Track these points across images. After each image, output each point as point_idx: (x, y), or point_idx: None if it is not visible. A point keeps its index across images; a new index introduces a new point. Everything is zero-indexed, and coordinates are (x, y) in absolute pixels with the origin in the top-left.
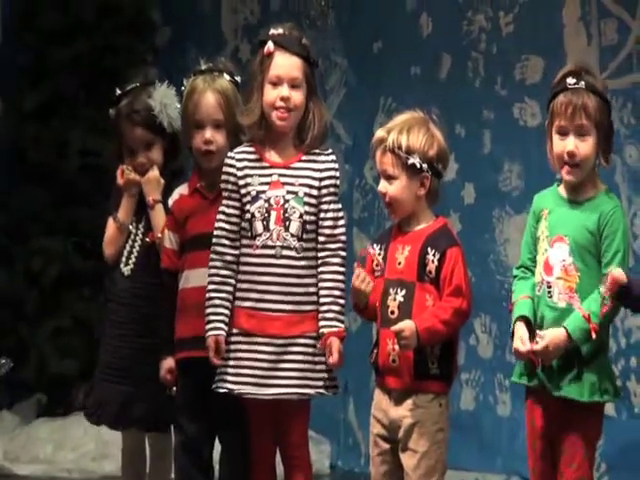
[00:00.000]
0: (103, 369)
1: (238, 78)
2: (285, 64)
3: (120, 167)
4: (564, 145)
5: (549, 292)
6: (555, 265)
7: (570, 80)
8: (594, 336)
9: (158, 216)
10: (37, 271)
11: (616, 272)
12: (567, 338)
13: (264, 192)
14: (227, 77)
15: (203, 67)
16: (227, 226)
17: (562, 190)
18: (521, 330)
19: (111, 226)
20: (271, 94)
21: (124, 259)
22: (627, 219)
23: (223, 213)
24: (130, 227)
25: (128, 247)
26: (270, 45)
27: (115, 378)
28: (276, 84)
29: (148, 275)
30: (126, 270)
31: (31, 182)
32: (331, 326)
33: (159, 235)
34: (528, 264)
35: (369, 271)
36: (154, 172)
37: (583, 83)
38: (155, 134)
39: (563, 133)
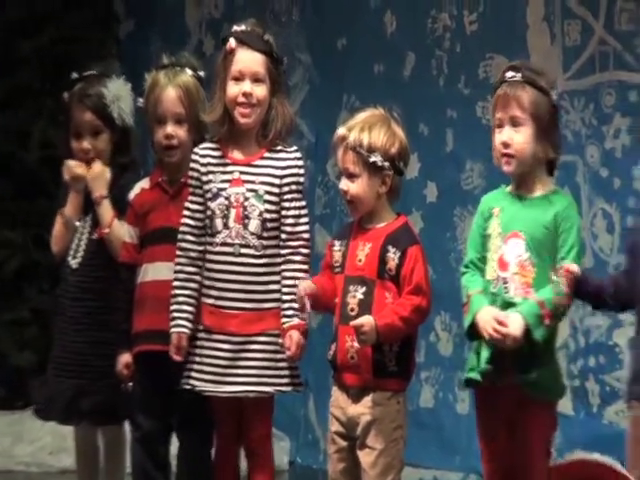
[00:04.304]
0: (54, 364)
1: (201, 73)
2: (247, 59)
3: (65, 163)
4: (500, 137)
5: (505, 288)
6: (510, 261)
7: (508, 74)
8: (547, 322)
9: (105, 212)
10: None
11: (570, 265)
12: (523, 325)
13: (224, 189)
14: (189, 72)
15: (165, 62)
16: (192, 222)
17: (511, 189)
18: (494, 311)
19: (59, 222)
20: (233, 90)
21: (72, 252)
22: (582, 218)
23: (188, 209)
24: (77, 224)
25: (76, 240)
26: (232, 42)
27: (66, 373)
28: (238, 79)
29: (96, 269)
30: (74, 263)
31: None
32: (291, 321)
33: (106, 231)
34: (476, 262)
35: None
36: (98, 167)
37: (520, 76)
38: (103, 122)
39: (499, 125)
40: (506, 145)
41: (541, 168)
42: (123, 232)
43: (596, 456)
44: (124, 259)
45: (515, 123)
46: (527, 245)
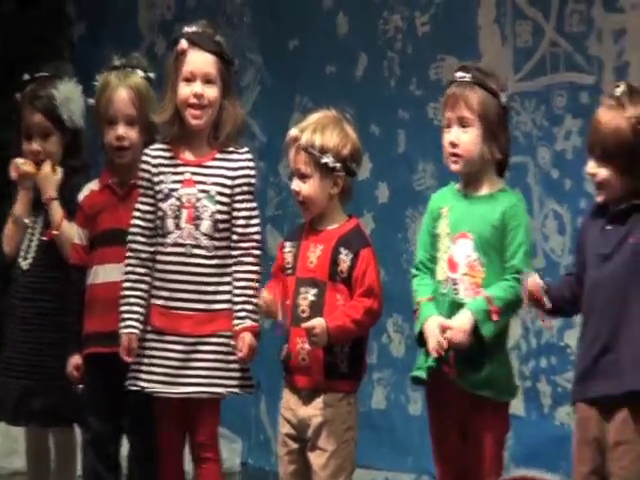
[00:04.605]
0: (4, 365)
1: (152, 74)
2: (198, 60)
3: (12, 161)
4: (448, 137)
5: (455, 289)
6: (460, 262)
7: (458, 74)
8: (495, 318)
9: (54, 213)
10: None
11: (531, 280)
12: (472, 320)
13: (176, 190)
14: (140, 73)
15: (116, 63)
16: (142, 223)
17: (459, 187)
18: (440, 319)
19: (10, 221)
20: (184, 91)
21: (22, 253)
22: (533, 219)
23: (138, 210)
24: (27, 221)
25: (27, 241)
26: (183, 43)
27: (16, 373)
28: (189, 80)
29: (47, 269)
30: (24, 264)
31: None
32: (243, 323)
33: (55, 232)
34: (426, 263)
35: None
36: (48, 168)
37: (470, 76)
38: (53, 124)
39: (447, 125)
40: (453, 145)
41: (490, 168)
42: (73, 233)
43: (535, 473)
44: (74, 261)
45: (463, 123)
46: (475, 245)
